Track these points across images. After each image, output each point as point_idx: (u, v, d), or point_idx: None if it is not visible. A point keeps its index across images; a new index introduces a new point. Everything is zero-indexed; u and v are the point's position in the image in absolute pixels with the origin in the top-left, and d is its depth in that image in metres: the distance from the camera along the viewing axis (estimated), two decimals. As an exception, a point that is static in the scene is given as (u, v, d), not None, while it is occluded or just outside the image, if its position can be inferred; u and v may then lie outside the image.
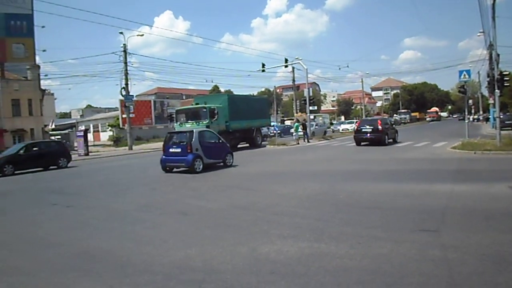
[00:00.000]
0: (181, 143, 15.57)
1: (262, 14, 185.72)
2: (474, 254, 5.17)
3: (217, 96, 30.14)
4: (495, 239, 5.77)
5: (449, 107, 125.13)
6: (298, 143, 30.93)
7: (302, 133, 32.75)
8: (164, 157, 15.98)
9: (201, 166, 15.35)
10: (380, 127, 24.66)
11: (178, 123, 25.37)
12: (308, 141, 32.46)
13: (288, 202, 8.92)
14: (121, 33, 35.29)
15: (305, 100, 37.08)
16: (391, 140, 25.90)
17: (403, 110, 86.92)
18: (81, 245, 6.51)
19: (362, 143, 25.24)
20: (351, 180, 12.10)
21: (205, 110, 24.65)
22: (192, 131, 15.95)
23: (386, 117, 54.47)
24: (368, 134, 24.82)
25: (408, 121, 76.73)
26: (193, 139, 15.29)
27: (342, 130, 47.87)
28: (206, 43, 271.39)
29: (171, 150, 15.79)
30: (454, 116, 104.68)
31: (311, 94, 38.28)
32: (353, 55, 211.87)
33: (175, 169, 15.88)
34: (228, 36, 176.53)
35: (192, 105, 27.90)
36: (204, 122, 23.93)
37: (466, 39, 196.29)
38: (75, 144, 37.70)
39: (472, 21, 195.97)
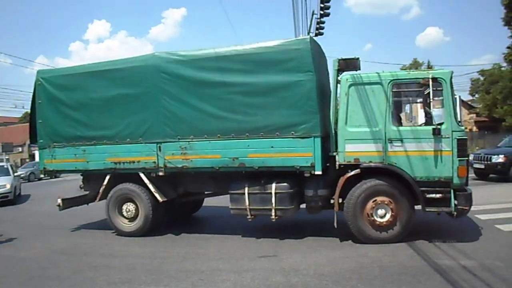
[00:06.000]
0: None
1: (82, 38, 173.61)
2: (314, 276, 5.27)
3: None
4: (329, 257, 6.05)
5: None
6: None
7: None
8: None
9: None
10: None
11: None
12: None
13: (117, 241, 7.93)
14: None
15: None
16: None
17: None
18: None
19: None
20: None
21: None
22: None
23: None
24: None
25: None
26: None
27: None
28: (16, 63, 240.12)
29: None
30: None
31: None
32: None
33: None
34: (42, 58, 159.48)
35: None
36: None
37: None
38: None
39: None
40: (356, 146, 6.73)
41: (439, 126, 6.27)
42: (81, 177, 9.16)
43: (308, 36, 6.95)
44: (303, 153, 6.77)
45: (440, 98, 6.28)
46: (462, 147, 6.32)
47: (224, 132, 7.23)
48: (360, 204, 6.56)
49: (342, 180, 6.68)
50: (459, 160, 6.28)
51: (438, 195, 6.39)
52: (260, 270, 5.64)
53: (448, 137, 6.31)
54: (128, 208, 8.14)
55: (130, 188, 8.11)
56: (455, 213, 6.32)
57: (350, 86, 6.78)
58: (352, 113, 6.74)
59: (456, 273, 5.06)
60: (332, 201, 7.02)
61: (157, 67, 7.67)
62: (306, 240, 7.12)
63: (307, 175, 6.86)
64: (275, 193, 6.98)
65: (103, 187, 8.31)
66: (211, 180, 8.02)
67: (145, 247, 7.34)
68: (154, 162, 7.75)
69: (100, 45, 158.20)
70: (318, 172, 6.73)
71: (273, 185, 7.03)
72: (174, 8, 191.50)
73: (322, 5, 17.74)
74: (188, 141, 7.48)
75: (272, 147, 6.95)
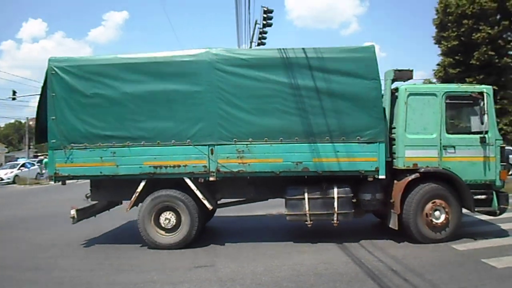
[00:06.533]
0: None
1: (15, 37, 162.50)
2: (251, 285, 5.23)
3: None
4: (267, 265, 6.02)
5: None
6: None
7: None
8: None
9: None
10: None
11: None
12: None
13: (45, 253, 7.36)
14: None
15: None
16: None
17: None
18: None
19: None
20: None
21: None
22: None
23: None
24: None
25: None
26: None
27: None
28: None
29: None
30: None
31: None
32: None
33: None
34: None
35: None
36: None
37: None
38: None
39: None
40: (415, 152, 7.13)
41: (485, 135, 6.96)
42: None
43: (372, 44, 7.14)
44: (368, 157, 6.94)
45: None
46: (503, 154, 7.15)
47: (287, 135, 6.99)
48: (421, 206, 6.93)
49: (403, 184, 6.97)
50: (501, 165, 7.07)
51: (483, 196, 7.07)
52: (196, 281, 5.49)
53: (492, 145, 7.05)
54: (168, 217, 7.24)
55: (173, 195, 7.24)
56: (498, 211, 7.07)
57: (408, 95, 7.17)
58: (411, 121, 7.13)
59: (388, 279, 5.22)
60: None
61: (212, 64, 7.13)
62: (244, 249, 7.06)
63: (370, 179, 7.00)
64: (338, 198, 7.00)
65: (137, 194, 7.28)
66: (250, 186, 7.61)
67: (74, 259, 6.91)
68: (205, 166, 7.09)
69: (35, 45, 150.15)
70: (382, 177, 6.94)
71: (335, 189, 7.04)
72: (116, 11, 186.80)
73: (265, 15, 18.02)
74: (247, 144, 7.02)
75: (338, 151, 6.96)
